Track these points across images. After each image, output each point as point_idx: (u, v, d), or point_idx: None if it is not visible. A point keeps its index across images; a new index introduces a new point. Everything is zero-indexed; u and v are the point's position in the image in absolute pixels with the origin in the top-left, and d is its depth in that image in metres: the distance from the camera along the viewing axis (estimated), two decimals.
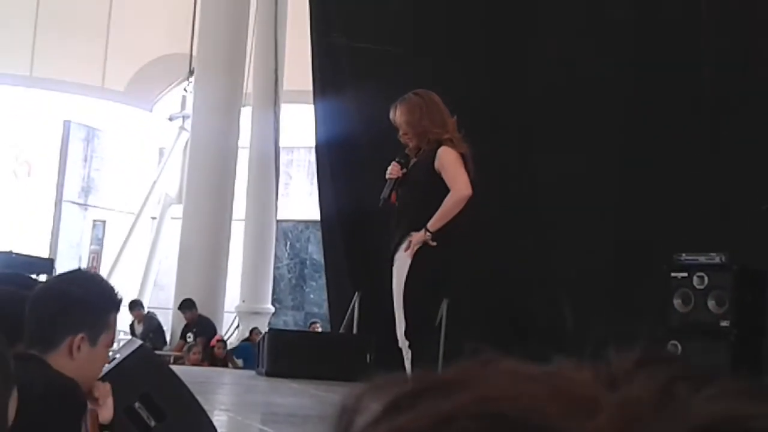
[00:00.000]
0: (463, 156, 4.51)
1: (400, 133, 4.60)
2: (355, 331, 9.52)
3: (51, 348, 2.15)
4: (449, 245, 4.44)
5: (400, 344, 4.50)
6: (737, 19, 7.49)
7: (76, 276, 2.47)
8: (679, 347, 6.07)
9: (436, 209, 4.40)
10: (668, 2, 8.08)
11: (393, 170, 4.58)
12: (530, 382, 0.40)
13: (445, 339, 9.28)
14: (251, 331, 10.64)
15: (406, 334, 4.40)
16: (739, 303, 5.86)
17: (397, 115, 4.58)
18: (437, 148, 4.46)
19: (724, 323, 5.89)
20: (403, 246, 4.46)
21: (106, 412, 2.47)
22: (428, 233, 4.37)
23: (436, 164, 4.44)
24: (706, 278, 6.03)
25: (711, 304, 5.97)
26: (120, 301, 2.42)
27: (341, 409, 0.41)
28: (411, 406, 0.39)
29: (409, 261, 4.40)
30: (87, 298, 2.27)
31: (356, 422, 0.40)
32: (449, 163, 4.41)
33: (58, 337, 2.16)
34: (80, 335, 2.19)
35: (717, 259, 6.05)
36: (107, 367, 3.68)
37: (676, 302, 6.11)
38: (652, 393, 0.40)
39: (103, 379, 3.61)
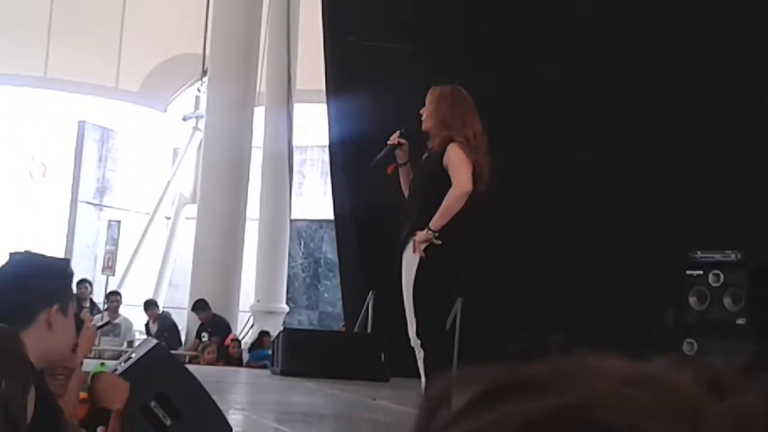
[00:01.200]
0: (475, 162, 4.48)
1: (423, 112, 4.60)
2: (369, 330, 9.52)
3: (28, 324, 2.22)
4: (457, 243, 4.42)
5: (412, 343, 4.50)
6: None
7: (29, 257, 2.60)
8: (696, 345, 6.04)
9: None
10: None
11: (393, 137, 4.63)
12: (631, 387, 0.35)
13: (460, 338, 9.28)
14: (261, 335, 10.61)
15: (418, 333, 4.40)
16: (755, 301, 5.83)
17: (428, 98, 4.59)
18: (448, 145, 4.46)
19: (740, 321, 5.85)
20: (410, 246, 4.45)
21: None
22: (431, 232, 4.35)
23: (444, 160, 4.44)
24: (721, 276, 5.99)
25: (727, 301, 5.94)
26: (72, 271, 2.55)
27: (424, 401, 0.38)
28: (495, 405, 0.36)
29: (416, 260, 4.38)
30: (50, 272, 2.40)
31: (438, 418, 0.37)
32: (455, 159, 4.40)
33: (35, 313, 2.25)
34: (54, 307, 2.28)
35: (732, 257, 6.01)
36: (124, 365, 3.70)
37: (692, 300, 6.08)
38: (766, 404, 0.35)
39: (121, 377, 3.63)
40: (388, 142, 4.64)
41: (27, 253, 2.84)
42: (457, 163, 4.39)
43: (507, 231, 9.03)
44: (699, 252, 6.19)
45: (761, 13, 7.38)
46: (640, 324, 7.38)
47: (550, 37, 8.76)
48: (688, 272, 6.18)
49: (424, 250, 4.35)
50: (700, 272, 6.11)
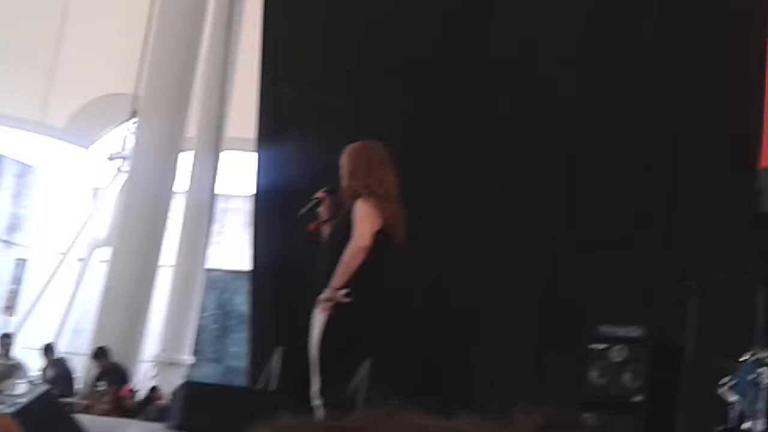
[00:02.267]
0: (385, 216, 4.44)
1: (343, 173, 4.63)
2: (274, 387, 9.22)
3: None
4: (363, 301, 4.35)
5: (313, 402, 4.42)
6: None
7: None
8: (594, 419, 5.93)
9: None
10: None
11: (319, 193, 4.72)
12: None
13: (366, 399, 9.04)
14: (152, 391, 10.14)
15: (321, 391, 4.34)
16: (654, 378, 5.77)
17: (343, 157, 4.65)
18: (355, 199, 4.46)
19: (638, 398, 5.79)
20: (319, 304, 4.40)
21: None
22: (335, 290, 4.30)
23: (352, 216, 4.41)
24: (624, 351, 5.95)
25: (626, 377, 5.87)
26: None
27: None
28: None
29: (323, 318, 4.34)
30: None
31: None
32: (357, 214, 4.40)
33: None
34: None
35: (635, 333, 5.97)
36: (11, 409, 3.48)
37: (593, 374, 6.01)
38: None
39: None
40: (315, 196, 4.72)
41: None
42: (358, 218, 4.37)
43: (419, 292, 8.89)
44: (604, 326, 6.15)
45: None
46: (542, 392, 7.25)
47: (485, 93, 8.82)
48: (591, 346, 6.12)
49: (331, 308, 4.29)
50: (604, 346, 6.06)
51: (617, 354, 6.00)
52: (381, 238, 4.38)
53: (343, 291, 4.32)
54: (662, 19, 7.83)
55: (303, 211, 4.79)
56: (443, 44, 9.18)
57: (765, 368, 5.10)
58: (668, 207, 6.96)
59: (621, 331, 6.06)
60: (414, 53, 9.27)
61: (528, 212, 8.27)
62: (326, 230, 4.60)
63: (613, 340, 6.07)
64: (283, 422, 0.41)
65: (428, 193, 8.93)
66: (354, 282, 4.32)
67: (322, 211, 4.64)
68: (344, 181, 4.54)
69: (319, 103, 9.80)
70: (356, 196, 4.44)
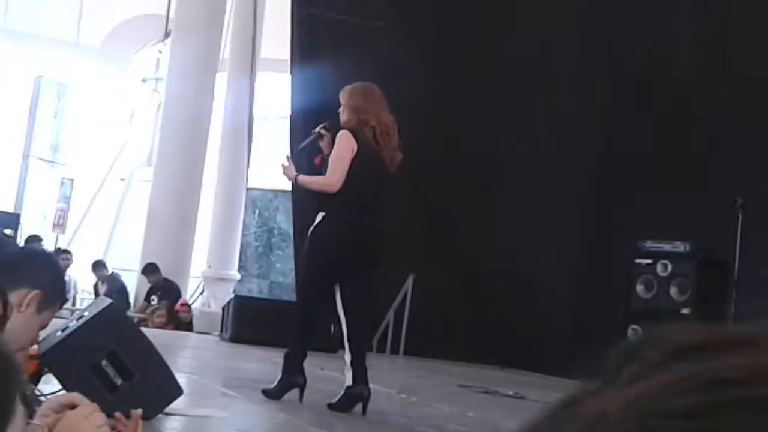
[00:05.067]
0: (362, 147, 4.60)
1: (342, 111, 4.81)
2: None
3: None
4: (348, 224, 4.58)
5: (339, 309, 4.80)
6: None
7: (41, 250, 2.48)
8: (640, 332, 6.19)
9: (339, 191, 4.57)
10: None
11: (319, 128, 4.84)
12: None
13: (410, 313, 9.39)
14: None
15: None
16: (700, 291, 5.97)
17: (342, 96, 4.81)
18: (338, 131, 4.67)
19: (685, 311, 6.00)
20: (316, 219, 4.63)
21: None
22: (296, 177, 4.64)
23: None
24: (669, 266, 6.13)
25: (673, 291, 6.08)
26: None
27: (614, 354, 0.36)
28: (717, 355, 0.33)
29: (308, 234, 4.68)
30: (55, 267, 2.27)
31: (627, 369, 0.34)
32: (336, 147, 4.57)
33: (14, 286, 2.07)
34: (35, 292, 2.14)
35: (681, 248, 6.15)
36: (75, 323, 3.67)
37: (639, 288, 6.21)
38: None
39: (71, 336, 3.60)
40: (313, 132, 4.82)
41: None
42: (336, 157, 4.54)
43: (462, 213, 9.12)
44: (649, 242, 6.32)
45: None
46: (588, 308, 7.52)
47: (518, 16, 8.84)
48: (636, 261, 6.31)
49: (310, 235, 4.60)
50: (649, 261, 6.24)
51: (663, 268, 6.19)
52: (363, 163, 4.56)
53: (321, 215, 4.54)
54: None
55: (302, 145, 4.97)
56: None
57: None
58: (715, 121, 7.03)
59: (667, 245, 6.24)
60: None
61: (572, 124, 8.40)
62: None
63: (659, 256, 6.25)
64: (669, 328, 0.35)
65: (464, 123, 9.08)
66: (326, 203, 4.54)
67: (323, 145, 4.74)
68: (347, 116, 4.67)
69: (352, 24, 9.86)
70: (340, 127, 4.63)
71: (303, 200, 10.04)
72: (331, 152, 4.63)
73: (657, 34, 7.91)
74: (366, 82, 4.96)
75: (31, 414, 1.53)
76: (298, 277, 4.75)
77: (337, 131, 4.63)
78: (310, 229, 4.67)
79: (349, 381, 4.66)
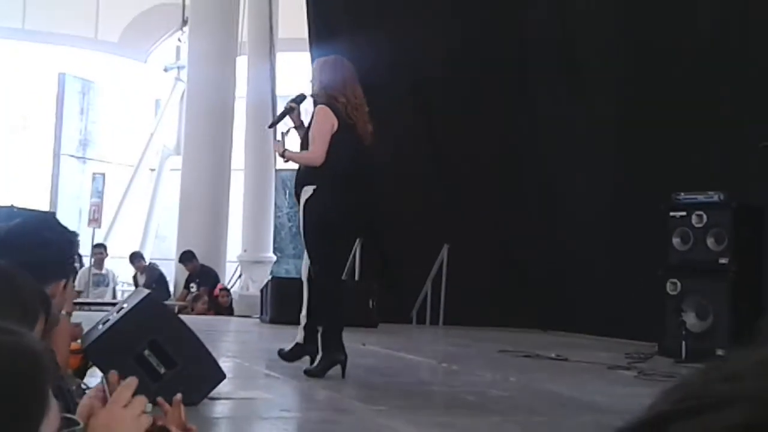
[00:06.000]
0: (347, 125, 4.74)
1: (312, 84, 4.94)
2: (357, 277, 9.59)
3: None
4: (336, 192, 4.71)
5: (303, 278, 4.98)
6: None
7: (46, 218, 2.52)
8: (679, 285, 6.13)
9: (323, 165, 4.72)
10: None
11: (290, 102, 4.97)
12: None
13: (447, 283, 9.39)
14: None
15: (310, 271, 4.86)
16: (737, 240, 5.89)
17: (313, 68, 5.06)
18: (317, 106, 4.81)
19: (723, 260, 5.92)
20: (303, 194, 4.77)
21: None
22: (285, 152, 4.78)
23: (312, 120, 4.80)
24: (705, 216, 6.05)
25: (710, 242, 6.00)
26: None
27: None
28: None
29: (301, 208, 4.79)
30: (69, 244, 2.33)
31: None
32: (316, 123, 4.73)
33: (46, 282, 2.10)
34: (62, 282, 2.21)
35: (715, 198, 6.06)
36: (116, 315, 3.72)
37: (675, 241, 6.14)
38: None
39: (112, 328, 3.65)
40: (286, 106, 4.96)
41: (12, 207, 2.76)
42: (315, 129, 4.71)
43: (495, 178, 9.08)
44: (682, 193, 6.24)
45: None
46: (625, 265, 7.46)
47: None
48: (671, 213, 6.23)
49: (306, 201, 4.72)
50: (684, 213, 6.17)
51: (698, 219, 6.11)
52: (342, 137, 4.69)
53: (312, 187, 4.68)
54: None
55: (276, 118, 5.10)
56: None
57: None
58: (743, 69, 6.91)
59: (701, 196, 6.15)
60: None
61: (598, 80, 8.31)
62: (300, 135, 4.85)
63: (693, 207, 6.17)
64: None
65: (493, 84, 9.01)
66: (317, 176, 4.68)
67: (293, 117, 4.86)
68: (317, 88, 4.80)
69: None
70: (317, 102, 4.76)
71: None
72: (300, 125, 4.82)
73: None
74: (337, 55, 5.10)
75: (70, 408, 1.54)
76: (309, 254, 4.83)
77: (314, 104, 4.80)
78: (302, 202, 4.77)
79: (300, 339, 4.98)
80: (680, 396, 0.32)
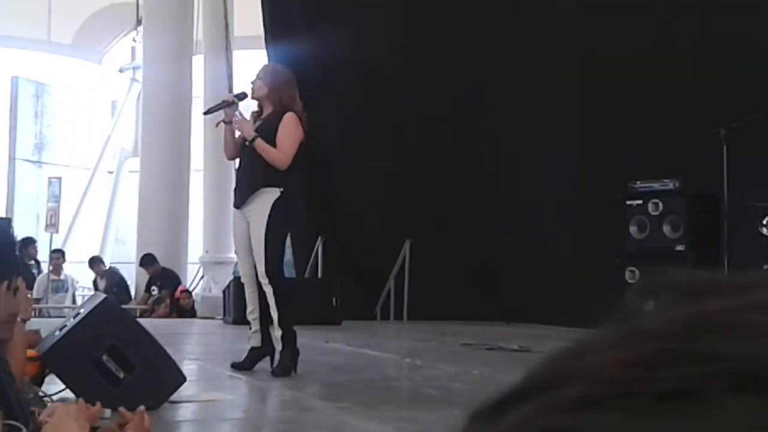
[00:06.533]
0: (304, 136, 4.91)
1: (256, 85, 4.95)
2: (320, 274, 9.58)
3: None
4: (300, 197, 4.96)
5: (251, 280, 4.94)
6: None
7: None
8: (637, 273, 6.20)
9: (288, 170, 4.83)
10: None
11: (228, 95, 5.09)
12: None
13: (410, 278, 9.41)
14: None
15: (267, 271, 4.80)
16: (693, 227, 5.97)
17: (263, 71, 5.01)
18: (284, 113, 4.82)
19: (680, 247, 6.00)
20: (258, 197, 4.79)
21: None
22: (254, 139, 4.74)
23: (280, 125, 4.80)
24: (660, 204, 6.13)
25: (666, 229, 6.08)
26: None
27: (634, 292, 0.34)
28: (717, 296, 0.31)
29: (267, 208, 4.76)
30: (7, 246, 2.29)
31: (646, 307, 0.33)
32: (289, 129, 4.80)
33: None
34: (4, 284, 2.18)
35: (671, 185, 6.14)
36: (73, 321, 3.67)
37: (632, 229, 6.21)
38: None
39: (68, 334, 3.60)
40: (229, 99, 5.00)
41: None
42: (289, 134, 4.79)
43: (456, 173, 9.11)
44: (638, 182, 6.31)
45: None
46: (587, 255, 7.53)
47: None
48: (628, 202, 6.30)
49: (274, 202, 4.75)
50: (640, 201, 6.24)
51: (655, 207, 6.19)
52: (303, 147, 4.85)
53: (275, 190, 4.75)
54: None
55: (213, 107, 5.14)
56: None
57: None
58: (696, 57, 6.99)
59: (656, 184, 6.23)
60: None
61: (554, 72, 8.37)
62: (230, 130, 4.88)
63: (649, 195, 6.24)
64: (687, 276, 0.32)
65: (455, 76, 9.04)
66: (283, 179, 4.78)
67: (228, 112, 4.87)
68: (266, 94, 4.85)
69: None
70: (284, 109, 4.81)
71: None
72: (230, 121, 4.84)
73: None
74: (284, 66, 5.26)
75: (17, 414, 1.52)
76: (267, 256, 4.84)
77: (262, 106, 4.86)
78: (269, 205, 4.76)
79: (255, 343, 4.97)
80: (528, 375, 0.32)
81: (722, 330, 0.29)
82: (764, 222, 5.40)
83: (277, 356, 4.89)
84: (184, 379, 3.85)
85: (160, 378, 3.76)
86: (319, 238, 9.65)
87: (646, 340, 0.30)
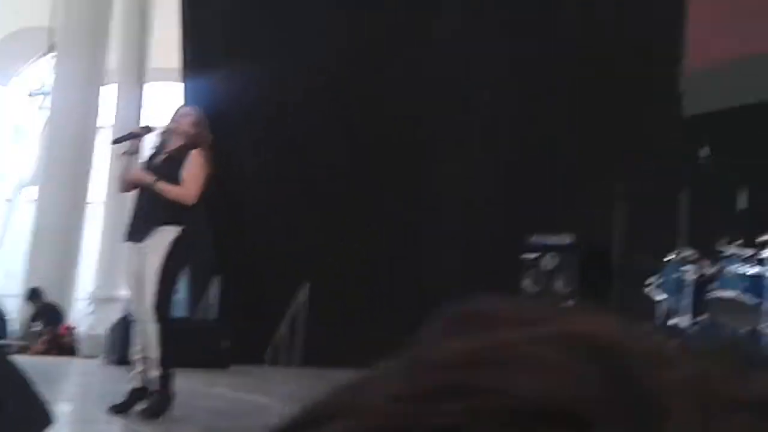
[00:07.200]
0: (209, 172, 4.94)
1: (174, 127, 4.95)
2: (214, 316, 9.31)
3: None
4: (201, 235, 4.93)
5: (144, 317, 4.79)
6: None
7: None
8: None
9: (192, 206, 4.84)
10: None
11: (140, 129, 5.16)
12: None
13: (307, 321, 9.23)
14: None
15: (158, 307, 4.72)
16: (585, 283, 6.02)
17: (186, 118, 5.01)
18: (191, 149, 4.86)
19: (570, 303, 6.03)
20: (157, 233, 4.73)
21: None
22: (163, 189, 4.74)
23: (186, 160, 4.84)
24: (556, 258, 6.17)
25: (559, 284, 6.12)
26: None
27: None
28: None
29: (165, 242, 4.70)
30: None
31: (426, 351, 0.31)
32: (195, 165, 4.83)
33: None
34: None
35: (566, 240, 6.19)
36: None
37: (526, 282, 6.24)
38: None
39: None
40: (131, 131, 5.15)
41: None
42: (195, 170, 4.81)
43: (356, 218, 9.04)
44: (535, 235, 6.35)
45: None
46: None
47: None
48: (523, 256, 6.33)
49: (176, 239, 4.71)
50: (535, 255, 6.27)
51: (549, 262, 6.23)
52: (209, 182, 4.88)
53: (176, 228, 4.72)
54: None
55: (121, 136, 5.17)
56: None
57: (690, 266, 5.37)
58: (592, 114, 7.10)
59: (551, 239, 6.28)
60: None
61: (454, 128, 8.44)
62: (128, 161, 4.92)
63: (544, 249, 6.29)
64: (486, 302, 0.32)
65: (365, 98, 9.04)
66: (186, 216, 4.76)
67: (134, 143, 4.94)
68: (183, 128, 4.89)
69: (241, 26, 9.73)
70: (194, 146, 4.83)
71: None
72: (134, 152, 4.88)
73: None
74: (196, 107, 5.25)
75: None
76: (161, 294, 4.72)
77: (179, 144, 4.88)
78: (168, 242, 4.67)
79: (140, 383, 4.83)
80: (299, 410, 0.30)
81: (499, 364, 0.28)
82: (651, 281, 5.48)
83: (151, 397, 4.69)
84: (52, 421, 3.61)
85: (25, 418, 3.51)
86: (217, 278, 9.41)
87: (424, 373, 0.29)
